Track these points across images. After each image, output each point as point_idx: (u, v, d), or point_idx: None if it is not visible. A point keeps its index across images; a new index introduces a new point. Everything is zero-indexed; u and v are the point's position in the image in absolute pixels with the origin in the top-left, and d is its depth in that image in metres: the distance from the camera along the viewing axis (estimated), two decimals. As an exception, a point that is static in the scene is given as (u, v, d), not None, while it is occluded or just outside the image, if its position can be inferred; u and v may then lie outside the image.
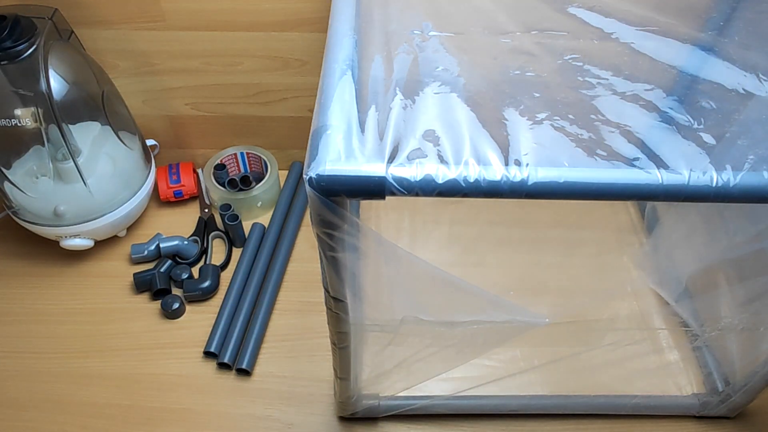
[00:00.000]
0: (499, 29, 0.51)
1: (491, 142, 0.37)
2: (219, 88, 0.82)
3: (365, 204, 0.43)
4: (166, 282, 0.78)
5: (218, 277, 0.79)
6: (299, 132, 0.87)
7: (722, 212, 0.57)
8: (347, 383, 0.58)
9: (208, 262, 0.81)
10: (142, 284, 0.77)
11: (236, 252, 0.83)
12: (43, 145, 0.71)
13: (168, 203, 0.88)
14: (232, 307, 0.75)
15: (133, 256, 0.80)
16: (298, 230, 0.85)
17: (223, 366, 0.71)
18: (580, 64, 0.46)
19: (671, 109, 0.42)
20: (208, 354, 0.72)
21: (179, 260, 0.81)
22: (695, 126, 0.40)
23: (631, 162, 0.37)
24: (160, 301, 0.76)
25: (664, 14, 0.50)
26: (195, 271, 0.80)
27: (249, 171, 0.91)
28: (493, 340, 0.55)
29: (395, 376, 0.59)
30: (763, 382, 0.59)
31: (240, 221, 0.82)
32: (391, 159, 0.36)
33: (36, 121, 0.68)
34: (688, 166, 0.36)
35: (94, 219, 0.76)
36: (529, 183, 0.35)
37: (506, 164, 0.36)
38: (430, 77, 0.44)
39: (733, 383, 0.63)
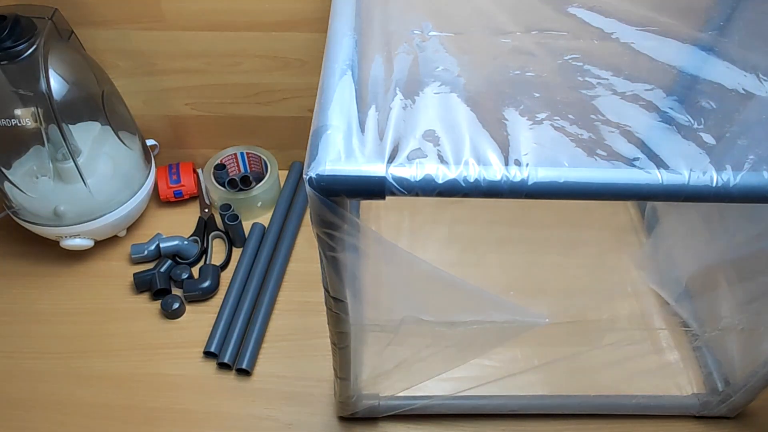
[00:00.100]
0: (499, 29, 0.51)
1: (491, 142, 0.37)
2: (219, 88, 0.81)
3: (365, 204, 0.43)
4: (166, 282, 0.78)
5: (218, 277, 0.79)
6: (299, 132, 0.87)
7: (722, 212, 0.57)
8: (347, 383, 0.58)
9: (208, 262, 0.81)
10: (142, 284, 0.77)
11: (236, 252, 0.83)
12: (43, 145, 0.71)
13: (168, 203, 0.88)
14: (232, 307, 0.75)
15: (133, 256, 0.80)
16: (298, 230, 0.85)
17: (223, 366, 0.71)
18: (580, 64, 0.46)
19: (671, 109, 0.42)
20: (208, 354, 0.72)
21: (179, 260, 0.81)
22: (695, 126, 0.40)
23: (631, 162, 0.37)
24: (160, 301, 0.76)
25: (664, 14, 0.50)
26: (195, 271, 0.80)
27: (249, 171, 0.91)
28: (493, 340, 0.55)
29: (395, 376, 0.59)
30: (763, 382, 0.59)
31: (240, 221, 0.82)
32: (391, 159, 0.36)
33: (36, 121, 0.68)
34: (688, 166, 0.36)
35: (94, 219, 0.76)
36: (529, 183, 0.35)
37: (506, 164, 0.36)
38: (430, 77, 0.44)
39: (733, 383, 0.63)
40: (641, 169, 0.36)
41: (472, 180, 0.35)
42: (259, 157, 0.88)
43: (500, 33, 0.50)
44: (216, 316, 0.74)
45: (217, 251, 0.83)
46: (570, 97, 0.43)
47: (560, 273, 0.76)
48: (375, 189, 0.35)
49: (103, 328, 0.75)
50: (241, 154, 0.88)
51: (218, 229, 0.85)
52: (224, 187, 0.85)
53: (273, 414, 0.67)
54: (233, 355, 0.71)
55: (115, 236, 0.83)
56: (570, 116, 0.40)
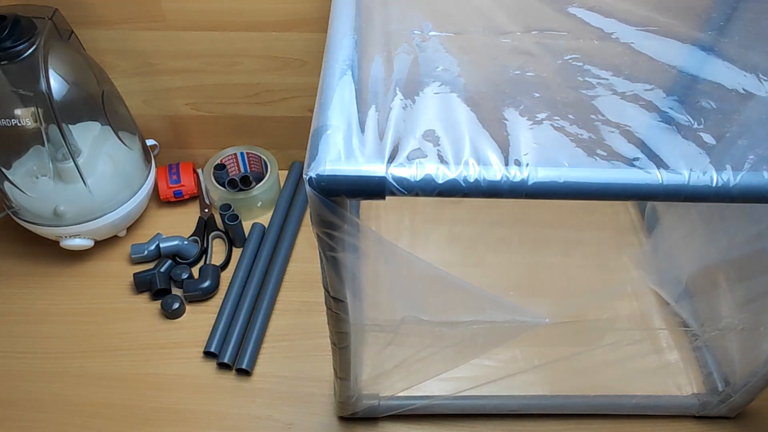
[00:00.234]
0: (499, 29, 0.51)
1: (491, 142, 0.37)
2: (219, 88, 0.82)
3: (365, 204, 0.43)
4: (166, 282, 0.78)
5: (218, 277, 0.79)
6: (299, 132, 0.87)
7: (722, 212, 0.57)
8: (347, 383, 0.58)
9: (208, 262, 0.81)
10: (142, 284, 0.77)
11: (236, 252, 0.83)
12: (43, 145, 0.71)
13: (168, 203, 0.88)
14: (232, 307, 0.75)
15: (133, 256, 0.80)
16: (298, 230, 0.85)
17: (223, 366, 0.71)
18: (580, 64, 0.46)
19: (671, 109, 0.42)
20: (208, 354, 0.72)
21: (179, 260, 0.81)
22: (695, 126, 0.40)
23: (631, 162, 0.37)
24: (160, 301, 0.76)
25: (664, 14, 0.50)
26: (195, 271, 0.80)
27: (249, 171, 0.91)
28: (493, 340, 0.55)
29: (395, 376, 0.59)
30: (763, 382, 0.59)
31: (240, 221, 0.82)
32: (391, 159, 0.36)
33: (36, 121, 0.68)
34: (688, 166, 0.36)
35: (94, 219, 0.76)
36: (529, 183, 0.35)
37: (506, 164, 0.36)
38: (430, 77, 0.44)
39: (733, 383, 0.63)
40: (641, 169, 0.36)
41: (472, 180, 0.35)
42: (259, 157, 0.88)
43: (500, 33, 0.50)
44: (216, 316, 0.74)
45: (217, 251, 0.83)
46: (570, 97, 0.43)
47: (560, 273, 0.76)
48: (375, 189, 0.35)
49: (103, 328, 0.75)
50: (241, 154, 0.88)
51: (218, 229, 0.85)
52: (224, 187, 0.85)
53: (273, 414, 0.67)
54: (233, 355, 0.71)
55: (115, 236, 0.83)
56: (570, 116, 0.40)
